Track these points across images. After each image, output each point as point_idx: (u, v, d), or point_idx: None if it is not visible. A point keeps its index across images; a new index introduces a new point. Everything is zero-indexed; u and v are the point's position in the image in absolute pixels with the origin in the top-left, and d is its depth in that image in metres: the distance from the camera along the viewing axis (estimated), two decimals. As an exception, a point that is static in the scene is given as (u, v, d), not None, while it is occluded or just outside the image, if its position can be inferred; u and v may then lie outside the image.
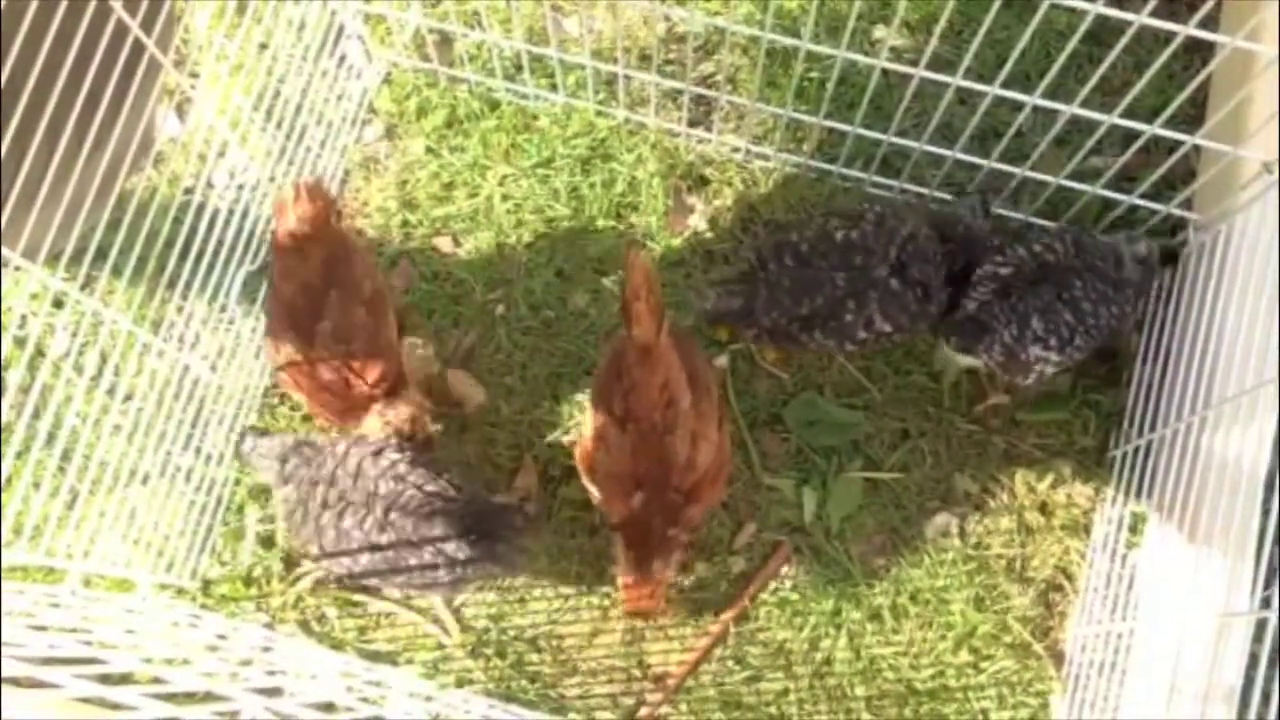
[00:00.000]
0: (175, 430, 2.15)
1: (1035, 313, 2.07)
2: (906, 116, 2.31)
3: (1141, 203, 2.20)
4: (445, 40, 2.59)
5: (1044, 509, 2.34)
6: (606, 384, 2.03)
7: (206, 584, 2.32)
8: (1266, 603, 1.73)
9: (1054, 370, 2.14)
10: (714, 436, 2.04)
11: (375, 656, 2.28)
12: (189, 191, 2.34)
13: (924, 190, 2.41)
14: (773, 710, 2.26)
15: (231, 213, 2.18)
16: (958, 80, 1.97)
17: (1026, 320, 2.08)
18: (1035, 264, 2.10)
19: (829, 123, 2.30)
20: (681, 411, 1.98)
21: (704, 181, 2.53)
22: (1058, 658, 2.27)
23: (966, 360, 2.18)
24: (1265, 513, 1.85)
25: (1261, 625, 1.63)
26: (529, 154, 2.54)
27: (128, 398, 2.04)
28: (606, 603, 2.30)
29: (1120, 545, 2.23)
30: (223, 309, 2.30)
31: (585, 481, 2.09)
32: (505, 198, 2.52)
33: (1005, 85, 1.95)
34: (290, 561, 2.33)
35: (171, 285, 2.07)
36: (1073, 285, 2.08)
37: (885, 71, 2.07)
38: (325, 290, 2.03)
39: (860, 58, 2.09)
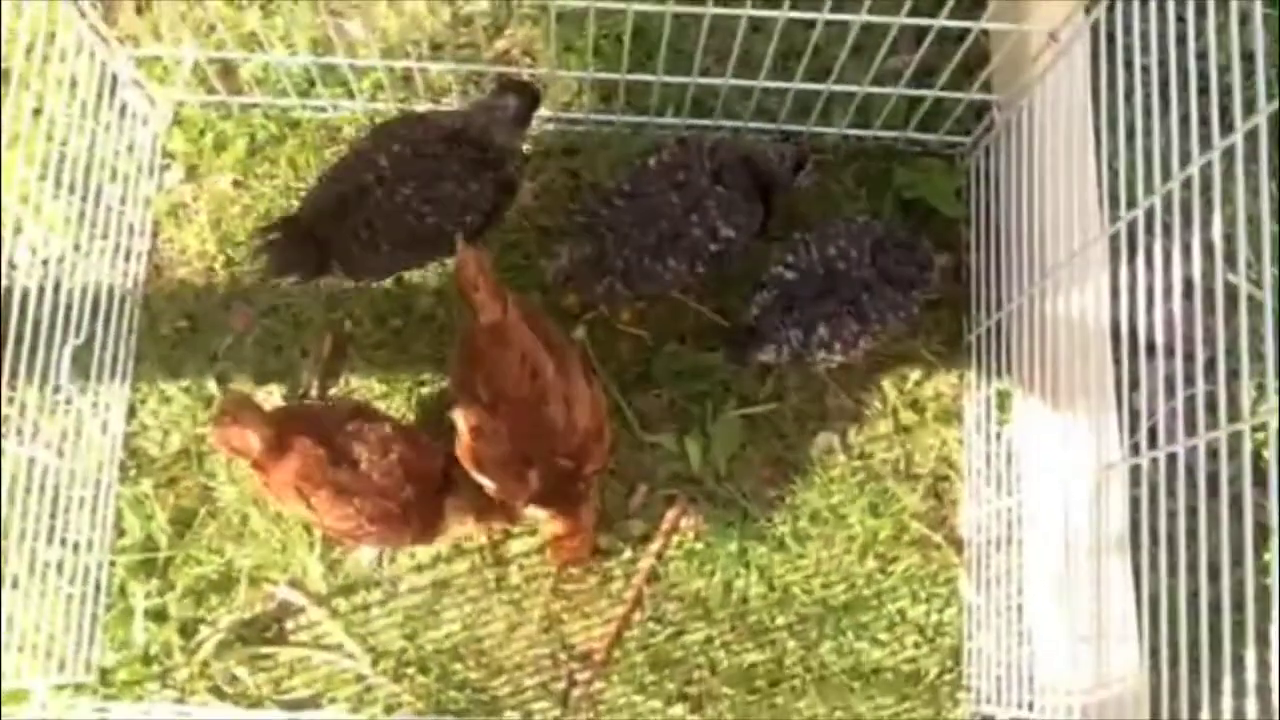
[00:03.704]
0: (34, 525, 2.06)
1: (821, 320, 2.12)
2: (707, 55, 2.32)
3: (943, 94, 2.26)
4: (228, 69, 2.50)
5: (915, 406, 2.40)
6: (465, 374, 2.02)
7: (104, 673, 2.23)
8: (1136, 448, 1.82)
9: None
10: (585, 393, 2.06)
11: (298, 705, 2.23)
12: (-9, 277, 2.22)
13: (740, 124, 2.43)
14: (701, 660, 2.28)
15: (43, 289, 2.08)
16: (747, 11, 1.99)
17: (812, 327, 2.13)
18: (824, 270, 2.14)
19: (633, 76, 2.30)
20: (548, 381, 1.98)
21: (523, 158, 2.50)
22: (957, 544, 2.34)
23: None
24: (1117, 362, 1.93)
25: (1136, 470, 1.71)
26: (341, 167, 2.48)
27: (-25, 504, 1.94)
28: (518, 595, 2.29)
29: (993, 425, 2.31)
30: (57, 390, 2.19)
31: (476, 476, 2.07)
32: (326, 215, 2.45)
33: (793, 6, 1.97)
34: (187, 630, 2.25)
35: (-5, 378, 1.97)
36: (860, 299, 2.13)
37: (677, 15, 2.08)
38: None
39: (649, 6, 2.09)
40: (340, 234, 2.10)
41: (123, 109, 2.38)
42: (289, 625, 2.28)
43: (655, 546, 2.31)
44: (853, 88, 2.27)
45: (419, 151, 2.11)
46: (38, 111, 2.15)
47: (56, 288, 2.12)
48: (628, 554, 2.32)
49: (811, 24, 2.04)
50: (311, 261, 2.11)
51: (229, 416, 1.94)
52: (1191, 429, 1.54)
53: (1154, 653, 1.73)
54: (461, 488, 2.09)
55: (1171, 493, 1.57)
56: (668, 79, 2.28)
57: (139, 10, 2.52)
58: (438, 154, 2.11)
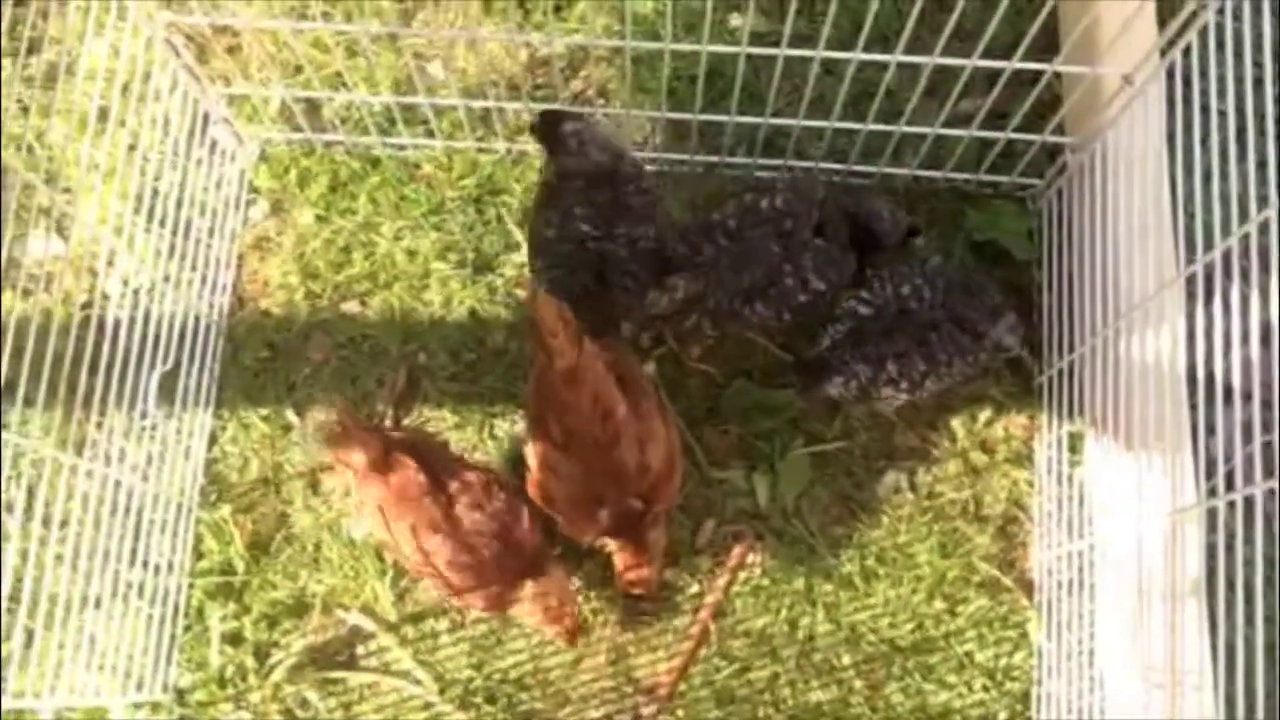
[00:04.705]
0: (118, 547, 2.12)
1: (890, 357, 2.14)
2: (779, 96, 2.35)
3: (1016, 136, 2.26)
4: (313, 107, 2.58)
5: (985, 446, 2.39)
6: (539, 411, 2.03)
7: (180, 694, 2.28)
8: (1212, 492, 1.79)
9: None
10: (661, 433, 2.06)
11: (366, 730, 2.26)
12: (86, 306, 2.31)
13: (811, 164, 2.46)
14: (766, 697, 2.27)
15: (133, 320, 2.15)
16: (820, 53, 2.01)
17: (881, 363, 2.14)
18: (897, 308, 2.16)
19: (705, 116, 2.33)
20: (620, 421, 1.98)
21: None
22: (1027, 587, 2.32)
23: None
24: (1193, 407, 1.91)
25: (1212, 515, 1.69)
26: (419, 203, 2.54)
27: (64, 524, 2.00)
28: (584, 627, 2.30)
29: (1064, 466, 2.29)
30: (143, 416, 2.27)
31: (547, 511, 2.09)
32: (404, 250, 2.51)
33: (866, 48, 1.99)
34: (261, 653, 2.29)
35: (86, 403, 2.04)
36: (929, 339, 2.14)
37: (750, 57, 2.11)
38: None
39: (723, 49, 2.12)
40: (611, 304, 2.16)
41: (212, 146, 2.46)
42: (359, 651, 2.31)
43: (722, 582, 2.31)
44: (924, 129, 2.28)
45: (595, 199, 2.15)
46: (132, 147, 2.23)
47: (146, 317, 2.19)
48: (694, 589, 2.32)
49: (884, 66, 2.06)
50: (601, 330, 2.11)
51: (343, 427, 1.97)
52: (1270, 474, 1.53)
53: (1229, 702, 1.69)
54: (545, 580, 2.09)
55: (1249, 540, 1.55)
56: (740, 119, 2.31)
57: (230, 50, 2.61)
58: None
